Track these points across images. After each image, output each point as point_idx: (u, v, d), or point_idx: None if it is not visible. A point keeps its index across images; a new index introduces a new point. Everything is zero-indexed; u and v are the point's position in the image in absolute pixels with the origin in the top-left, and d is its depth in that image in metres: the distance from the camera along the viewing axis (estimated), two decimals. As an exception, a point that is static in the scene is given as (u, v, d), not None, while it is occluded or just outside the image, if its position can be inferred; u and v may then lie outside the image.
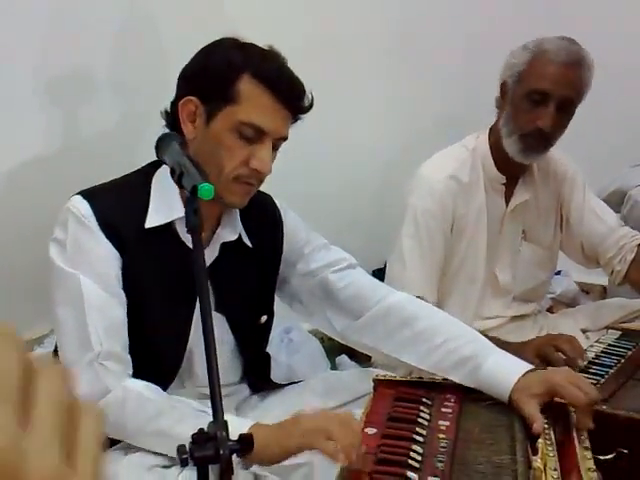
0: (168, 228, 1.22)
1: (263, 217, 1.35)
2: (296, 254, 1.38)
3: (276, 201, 1.40)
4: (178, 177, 1.05)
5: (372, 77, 2.36)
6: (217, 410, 0.91)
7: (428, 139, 2.25)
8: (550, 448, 1.06)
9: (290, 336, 2.00)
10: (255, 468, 1.24)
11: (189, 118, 1.20)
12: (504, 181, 1.79)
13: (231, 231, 1.29)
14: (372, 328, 1.34)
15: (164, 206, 1.22)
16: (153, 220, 1.21)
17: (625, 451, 1.28)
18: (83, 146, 1.75)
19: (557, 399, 1.18)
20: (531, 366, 1.24)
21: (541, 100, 1.65)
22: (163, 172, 1.23)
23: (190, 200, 0.99)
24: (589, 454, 1.04)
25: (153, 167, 1.27)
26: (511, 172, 1.78)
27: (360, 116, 2.34)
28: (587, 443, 1.08)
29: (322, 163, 2.25)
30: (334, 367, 2.02)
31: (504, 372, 1.22)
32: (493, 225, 1.81)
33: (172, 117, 1.24)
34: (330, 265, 1.38)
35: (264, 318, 1.38)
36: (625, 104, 2.49)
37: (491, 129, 1.79)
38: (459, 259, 1.80)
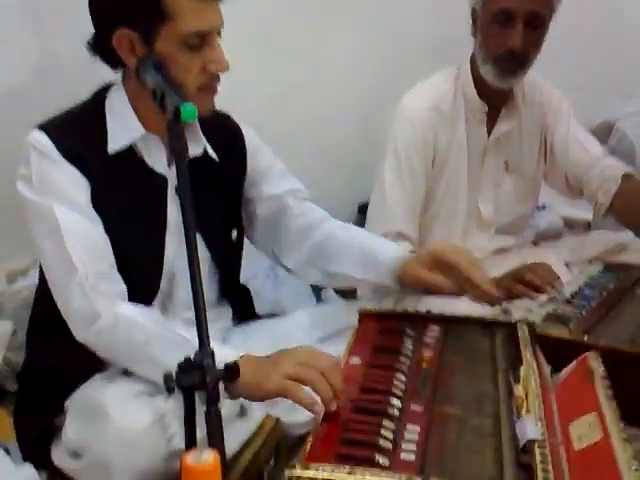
0: (131, 151, 1.22)
1: (224, 131, 1.36)
2: (259, 174, 1.40)
3: (234, 117, 1.41)
4: (160, 99, 1.04)
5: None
6: (202, 338, 0.92)
7: (414, 60, 2.22)
8: (533, 377, 1.07)
9: (276, 271, 2.01)
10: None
11: (128, 51, 1.17)
12: (486, 110, 1.77)
13: (196, 146, 1.28)
14: (318, 252, 1.39)
15: (122, 129, 1.22)
16: (114, 144, 1.21)
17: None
18: (63, 77, 1.70)
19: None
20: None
21: (507, 20, 1.63)
22: (115, 94, 1.24)
23: (173, 123, 0.98)
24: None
25: (102, 93, 1.26)
26: (493, 101, 1.77)
27: (344, 37, 2.28)
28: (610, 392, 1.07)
29: (305, 86, 2.21)
30: (320, 302, 2.03)
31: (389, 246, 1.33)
32: (474, 157, 1.80)
33: (109, 54, 1.20)
34: (292, 193, 1.41)
35: (234, 233, 1.39)
36: (611, 33, 2.45)
37: (472, 57, 1.76)
38: (441, 193, 1.79)
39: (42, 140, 1.17)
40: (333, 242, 1.38)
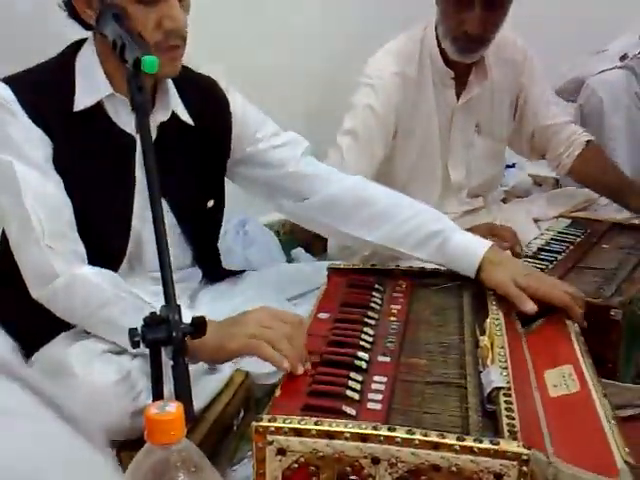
0: (97, 109, 1.19)
1: (205, 96, 1.32)
2: (248, 138, 1.36)
3: (219, 82, 1.36)
4: (120, 51, 1.01)
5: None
6: (169, 294, 0.91)
7: (382, 23, 2.19)
8: (498, 328, 1.09)
9: (246, 229, 1.99)
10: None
11: (85, 5, 1.14)
12: (453, 75, 1.74)
13: (165, 107, 1.25)
14: (327, 208, 1.34)
15: (90, 86, 1.19)
16: (81, 102, 1.18)
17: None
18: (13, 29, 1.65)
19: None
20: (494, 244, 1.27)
21: (465, 4, 1.58)
22: (85, 52, 1.21)
23: (133, 75, 0.96)
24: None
25: (74, 49, 1.23)
26: (460, 67, 1.73)
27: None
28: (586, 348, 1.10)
29: (272, 50, 2.18)
30: (290, 260, 2.03)
31: (471, 245, 1.24)
32: (444, 121, 1.78)
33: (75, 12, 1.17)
34: (285, 146, 1.37)
35: (211, 203, 1.36)
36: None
37: (437, 23, 1.71)
38: (412, 160, 1.78)
39: (5, 95, 1.14)
40: (371, 207, 1.32)
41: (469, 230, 1.68)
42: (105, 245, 1.21)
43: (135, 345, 0.88)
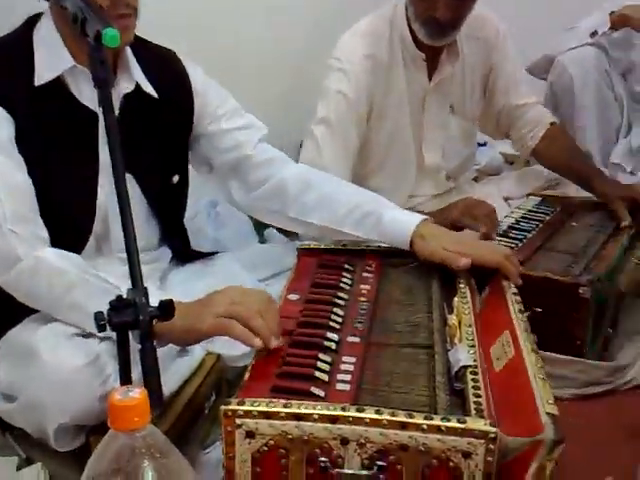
0: (58, 84, 1.17)
1: (165, 68, 1.30)
2: (209, 114, 1.35)
3: (179, 55, 1.35)
4: (81, 24, 0.99)
5: None
6: (135, 276, 0.90)
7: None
8: (466, 306, 1.10)
9: (217, 209, 1.98)
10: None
11: None
12: (424, 57, 1.72)
13: (129, 80, 1.23)
14: (276, 194, 1.37)
15: (50, 60, 1.16)
16: (42, 76, 1.16)
17: (539, 310, 1.34)
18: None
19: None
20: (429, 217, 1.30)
21: None
22: (43, 26, 1.18)
23: (95, 49, 0.94)
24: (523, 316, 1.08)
25: (29, 23, 1.20)
26: (431, 48, 1.69)
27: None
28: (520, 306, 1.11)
29: (242, 31, 2.14)
30: (262, 241, 2.01)
31: (404, 219, 1.28)
32: (416, 103, 1.76)
33: None
34: (244, 129, 1.37)
35: (176, 178, 1.35)
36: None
37: (406, 2, 1.68)
38: (384, 143, 1.76)
39: None
40: (316, 191, 1.35)
41: (445, 209, 1.70)
42: (70, 224, 1.19)
43: (101, 329, 0.87)
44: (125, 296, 0.89)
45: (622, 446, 1.21)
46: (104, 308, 0.87)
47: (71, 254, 1.13)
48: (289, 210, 1.36)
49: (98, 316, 0.87)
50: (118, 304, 0.88)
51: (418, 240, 1.24)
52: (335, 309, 1.09)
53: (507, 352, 0.99)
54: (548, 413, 0.83)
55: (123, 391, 0.63)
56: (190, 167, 1.41)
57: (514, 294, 1.14)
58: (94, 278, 1.09)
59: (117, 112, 1.20)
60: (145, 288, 0.90)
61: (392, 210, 1.31)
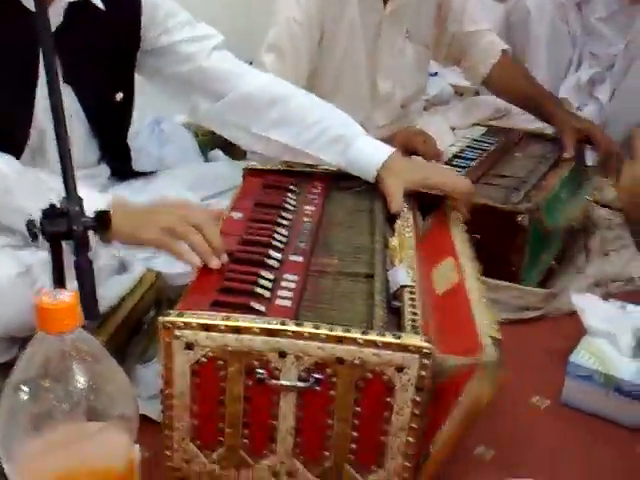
0: None
1: None
2: (158, 25, 1.29)
3: None
4: None
5: None
6: (69, 184, 0.86)
7: None
8: (408, 229, 1.10)
9: (161, 127, 1.92)
10: (122, 253, 1.23)
11: None
12: None
13: None
14: (240, 106, 1.31)
15: None
16: None
17: (477, 236, 1.36)
18: None
19: (434, 191, 1.22)
20: (396, 150, 1.27)
21: None
22: None
23: None
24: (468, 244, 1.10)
25: None
26: None
27: None
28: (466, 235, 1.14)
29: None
30: (207, 160, 1.98)
31: (373, 151, 1.24)
32: (370, 30, 1.71)
33: None
34: (197, 39, 1.31)
35: (120, 95, 1.29)
36: None
37: None
38: (335, 71, 1.72)
39: None
40: (281, 107, 1.29)
41: (389, 139, 1.69)
42: (5, 134, 1.13)
43: (34, 237, 0.84)
44: (58, 205, 0.86)
45: (550, 369, 1.26)
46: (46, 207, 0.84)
47: (9, 157, 1.08)
48: (252, 125, 1.31)
49: (30, 224, 0.84)
50: (51, 212, 0.85)
51: (384, 173, 1.21)
52: (278, 228, 1.09)
53: (450, 277, 1.01)
54: (491, 337, 0.85)
55: (51, 293, 0.61)
56: (135, 86, 1.35)
57: (460, 222, 1.16)
58: (34, 179, 1.04)
59: (60, 20, 1.14)
60: (80, 198, 0.87)
61: (363, 139, 1.26)
